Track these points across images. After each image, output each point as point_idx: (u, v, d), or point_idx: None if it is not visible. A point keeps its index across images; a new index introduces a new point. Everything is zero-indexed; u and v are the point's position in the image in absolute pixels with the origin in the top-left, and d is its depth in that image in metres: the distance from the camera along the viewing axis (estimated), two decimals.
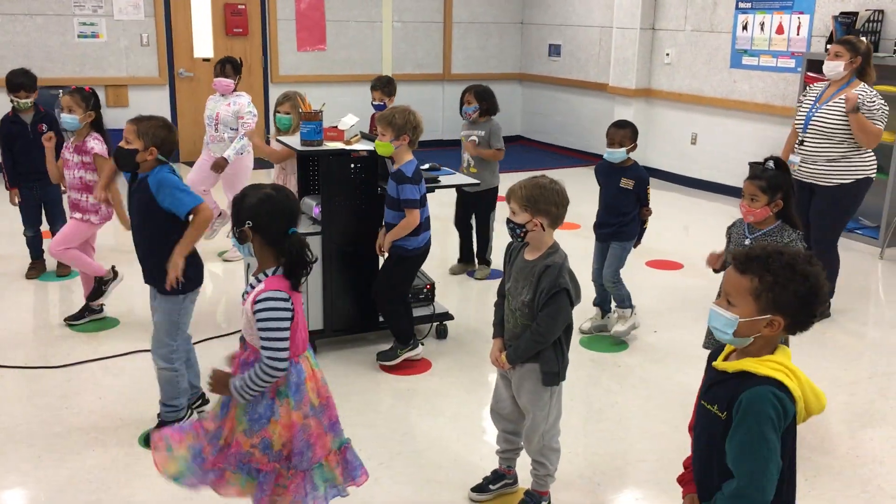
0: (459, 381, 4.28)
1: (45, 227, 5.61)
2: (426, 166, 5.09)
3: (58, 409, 3.86)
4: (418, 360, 4.41)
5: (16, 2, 8.71)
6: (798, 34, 7.75)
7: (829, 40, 7.11)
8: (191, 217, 3.37)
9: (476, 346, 4.67)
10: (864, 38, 5.43)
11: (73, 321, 4.81)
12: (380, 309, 4.49)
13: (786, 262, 1.91)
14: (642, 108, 9.35)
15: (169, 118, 9.24)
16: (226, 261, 6.10)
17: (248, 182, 5.33)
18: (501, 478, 3.25)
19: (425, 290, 4.78)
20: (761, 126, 8.13)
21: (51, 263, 5.72)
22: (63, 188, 4.92)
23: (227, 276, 5.85)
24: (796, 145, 5.12)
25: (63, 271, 5.62)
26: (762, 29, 8.06)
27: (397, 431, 3.75)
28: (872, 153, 5.03)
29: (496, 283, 3.23)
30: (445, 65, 11.00)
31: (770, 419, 1.86)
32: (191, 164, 6.68)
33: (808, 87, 5.30)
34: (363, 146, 4.40)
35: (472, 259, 5.98)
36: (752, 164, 4.43)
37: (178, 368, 3.51)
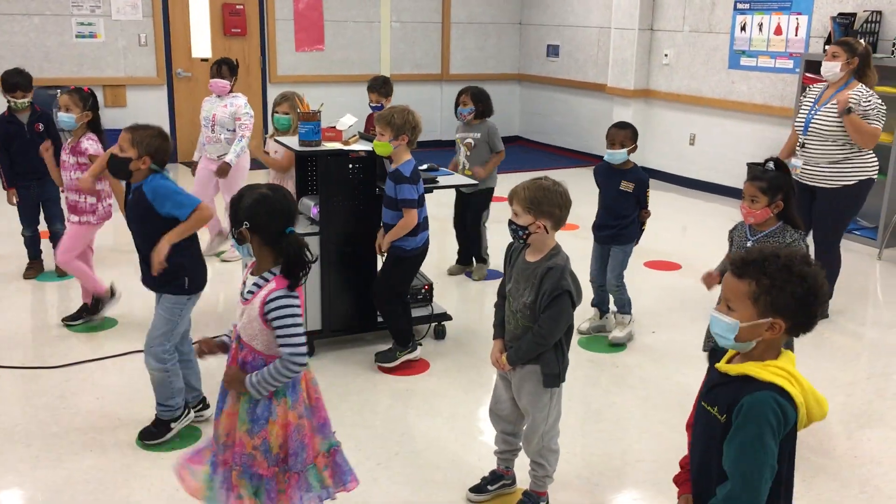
0: (458, 382, 4.27)
1: (42, 227, 5.60)
2: (424, 167, 5.09)
3: (56, 410, 3.86)
4: (416, 360, 4.41)
5: (14, 2, 8.70)
6: (796, 35, 7.76)
7: (828, 41, 7.11)
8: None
9: (474, 346, 4.67)
10: (862, 40, 5.43)
11: (70, 321, 4.81)
12: (379, 309, 4.49)
13: (782, 264, 1.90)
14: (641, 108, 9.35)
15: (167, 118, 9.30)
16: (224, 261, 6.09)
17: (245, 183, 5.32)
18: (500, 478, 3.25)
19: (423, 291, 4.78)
20: (759, 127, 8.13)
21: (49, 264, 5.71)
22: (62, 189, 4.92)
23: (225, 276, 5.84)
24: (798, 148, 5.12)
25: (62, 270, 5.61)
26: (760, 30, 8.06)
27: (395, 432, 3.75)
28: (874, 154, 5.03)
29: (495, 283, 3.23)
30: (444, 65, 11.00)
31: (770, 425, 1.85)
32: (188, 164, 6.67)
33: (807, 89, 5.30)
34: (361, 146, 4.40)
35: (470, 260, 5.98)
36: (751, 166, 4.43)
37: (169, 369, 3.50)
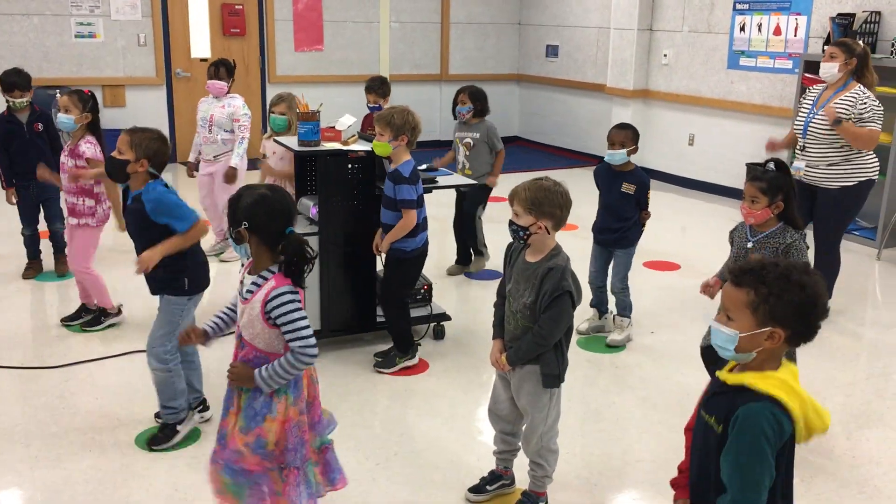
0: (457, 382, 4.27)
1: (42, 226, 5.59)
2: (424, 167, 5.09)
3: (55, 410, 3.86)
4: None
5: (13, 2, 8.70)
6: (795, 35, 7.76)
7: (827, 42, 7.12)
8: None
9: (473, 346, 4.67)
10: (860, 41, 5.43)
11: (69, 321, 4.80)
12: (385, 314, 4.46)
13: (780, 273, 1.89)
14: (640, 108, 9.36)
15: (166, 118, 9.29)
16: (223, 261, 6.09)
17: (243, 183, 5.33)
18: (499, 478, 3.25)
19: (423, 291, 4.78)
20: (759, 127, 8.13)
21: (48, 264, 5.71)
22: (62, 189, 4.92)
23: (224, 276, 5.83)
24: (798, 150, 5.12)
25: (62, 269, 5.61)
26: (759, 30, 8.07)
27: (394, 432, 3.75)
28: (874, 155, 5.03)
29: (494, 283, 3.23)
30: (443, 65, 11.00)
31: (765, 435, 1.84)
32: (185, 163, 6.66)
33: (806, 91, 5.30)
34: (361, 146, 4.40)
35: (469, 260, 5.98)
36: (751, 166, 4.42)
37: (171, 369, 3.50)
